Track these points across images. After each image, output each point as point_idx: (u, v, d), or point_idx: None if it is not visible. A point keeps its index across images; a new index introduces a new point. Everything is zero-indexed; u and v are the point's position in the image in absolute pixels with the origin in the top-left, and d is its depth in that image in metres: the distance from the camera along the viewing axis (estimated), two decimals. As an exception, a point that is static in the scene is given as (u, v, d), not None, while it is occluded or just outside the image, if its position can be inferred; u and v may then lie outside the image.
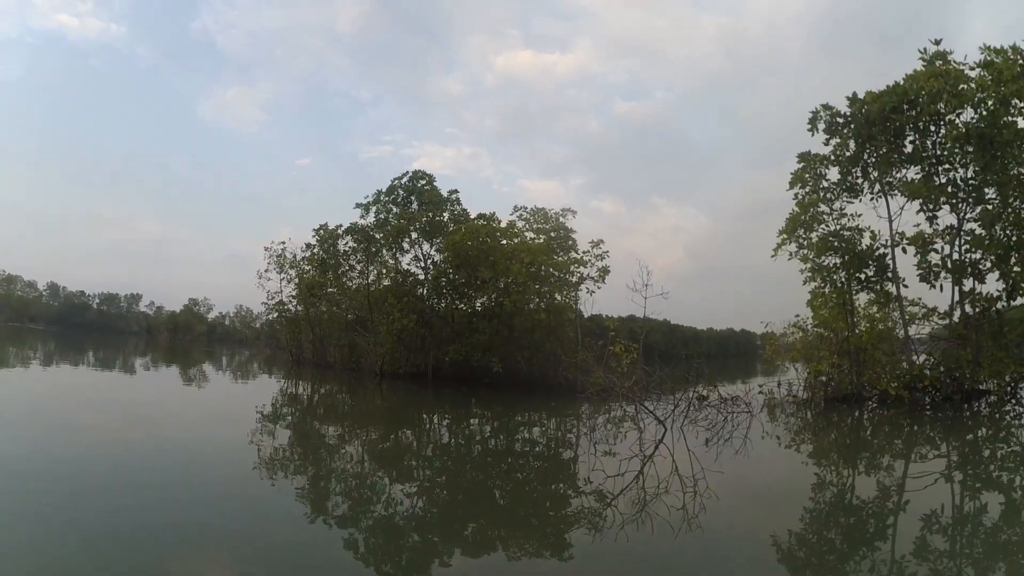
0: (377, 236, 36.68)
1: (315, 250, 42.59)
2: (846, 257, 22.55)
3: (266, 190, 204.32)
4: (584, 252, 31.56)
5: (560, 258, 31.31)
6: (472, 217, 35.43)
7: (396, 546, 6.96)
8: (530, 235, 32.67)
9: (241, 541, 6.49)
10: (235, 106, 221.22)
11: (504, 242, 31.64)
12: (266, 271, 46.30)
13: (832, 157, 23.48)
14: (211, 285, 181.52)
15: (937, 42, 21.70)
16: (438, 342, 32.71)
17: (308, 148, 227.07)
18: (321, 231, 41.83)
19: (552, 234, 32.40)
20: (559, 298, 31.28)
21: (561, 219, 32.87)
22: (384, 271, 38.46)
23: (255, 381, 34.14)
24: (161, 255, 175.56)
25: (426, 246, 35.97)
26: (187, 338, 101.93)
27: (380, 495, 9.29)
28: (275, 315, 49.99)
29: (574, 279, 31.11)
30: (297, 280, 45.16)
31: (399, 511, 8.32)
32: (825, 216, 23.14)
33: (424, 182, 35.77)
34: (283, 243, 46.02)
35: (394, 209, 35.96)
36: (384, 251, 37.01)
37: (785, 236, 23.27)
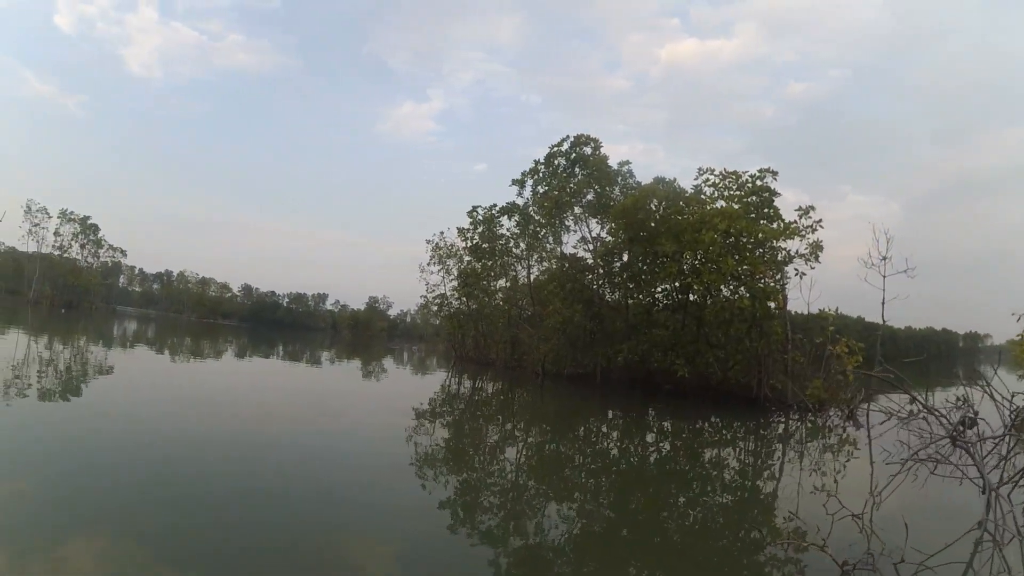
0: (535, 215, 36.50)
1: (468, 234, 44.19)
2: None
3: (446, 195, 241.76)
4: (791, 223, 27.70)
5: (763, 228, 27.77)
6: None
7: (544, 574, 6.96)
8: (721, 204, 29.74)
9: (378, 536, 7.22)
10: (410, 120, 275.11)
11: (686, 215, 29.17)
12: (428, 264, 49.85)
13: None
14: (396, 286, 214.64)
15: None
16: (609, 339, 31.82)
17: (483, 154, 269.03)
18: (475, 213, 43.08)
19: (748, 200, 28.93)
20: (765, 282, 27.73)
21: (758, 182, 29.21)
22: (545, 254, 38.39)
23: (409, 379, 36.90)
24: (348, 259, 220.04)
25: (593, 225, 34.97)
26: (367, 334, 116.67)
27: (533, 513, 9.38)
28: (436, 309, 53.66)
29: (779, 257, 27.45)
30: (456, 271, 47.73)
31: (553, 534, 8.28)
32: None
33: (590, 148, 34.69)
34: (442, 232, 49.05)
35: (554, 182, 35.34)
36: (546, 231, 36.71)
37: None
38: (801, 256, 27.31)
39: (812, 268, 27.16)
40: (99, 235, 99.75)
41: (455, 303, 49.85)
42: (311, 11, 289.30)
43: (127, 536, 6.42)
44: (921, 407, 10.29)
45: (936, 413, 10.15)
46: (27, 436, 10.40)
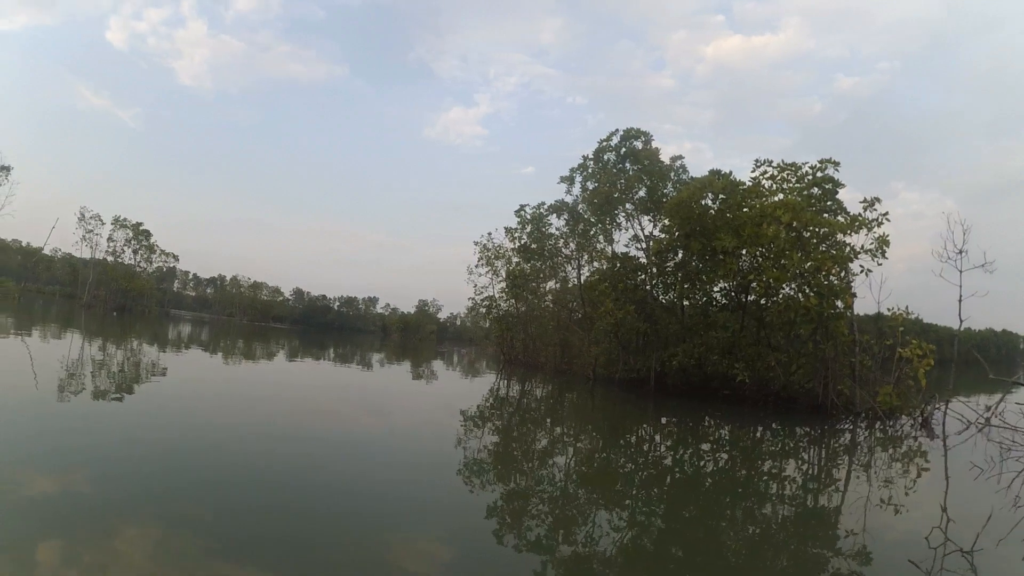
0: (585, 213, 36.27)
1: (516, 234, 44.20)
2: None
3: (494, 198, 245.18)
4: (857, 215, 26.46)
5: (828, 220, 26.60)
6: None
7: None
8: (780, 197, 28.73)
9: (420, 535, 7.25)
10: (457, 125, 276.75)
11: (746, 209, 28.28)
12: (476, 266, 50.26)
13: None
14: (445, 289, 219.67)
15: None
16: (663, 342, 31.23)
17: (531, 157, 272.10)
18: (523, 212, 43.08)
19: (809, 192, 27.77)
20: (831, 280, 26.42)
21: (819, 173, 27.97)
22: (595, 254, 38.09)
23: (459, 382, 37.16)
24: (396, 263, 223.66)
25: (646, 223, 34.47)
26: (417, 337, 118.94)
27: (583, 521, 9.28)
28: (484, 311, 54.04)
29: (846, 251, 26.26)
30: (504, 273, 47.92)
31: (603, 543, 8.22)
32: None
33: (640, 142, 34.17)
34: (489, 233, 49.32)
35: (604, 178, 34.97)
36: (596, 230, 36.41)
37: None
38: (867, 251, 25.99)
39: (879, 264, 25.91)
40: (151, 240, 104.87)
41: (503, 305, 49.99)
42: (357, 20, 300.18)
43: (172, 523, 6.74)
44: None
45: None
46: (84, 429, 10.87)
